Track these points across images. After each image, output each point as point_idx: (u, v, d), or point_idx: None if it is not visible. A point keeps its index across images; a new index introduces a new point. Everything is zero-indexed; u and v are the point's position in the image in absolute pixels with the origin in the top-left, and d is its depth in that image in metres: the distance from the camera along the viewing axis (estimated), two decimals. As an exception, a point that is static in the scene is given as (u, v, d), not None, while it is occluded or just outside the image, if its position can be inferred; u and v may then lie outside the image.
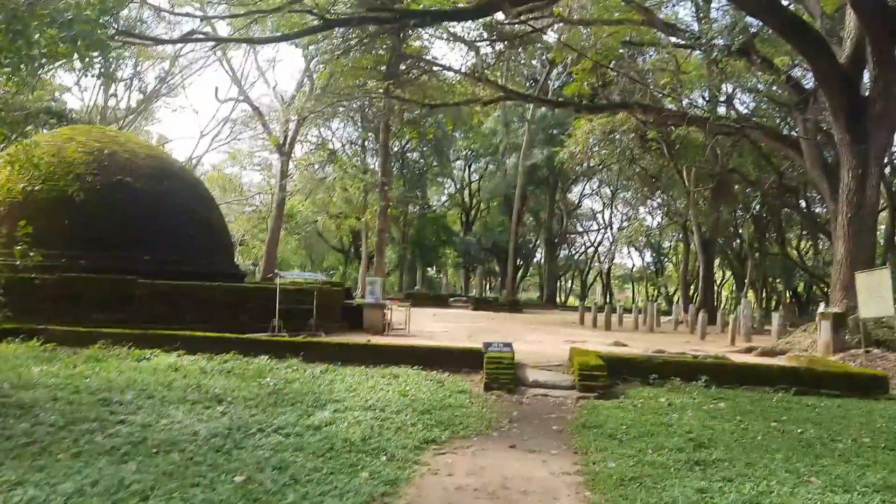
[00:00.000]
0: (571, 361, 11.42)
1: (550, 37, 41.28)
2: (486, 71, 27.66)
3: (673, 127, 24.53)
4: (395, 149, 49.42)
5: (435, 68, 29.62)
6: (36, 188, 17.42)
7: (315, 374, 10.26)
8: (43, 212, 16.96)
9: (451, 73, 33.70)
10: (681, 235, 55.44)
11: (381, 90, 28.28)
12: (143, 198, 18.09)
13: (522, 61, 35.97)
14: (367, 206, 35.54)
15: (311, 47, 33.05)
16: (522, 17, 26.59)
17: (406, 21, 17.30)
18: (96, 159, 18.25)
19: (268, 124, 42.44)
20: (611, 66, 28.91)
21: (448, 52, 60.81)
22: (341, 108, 44.56)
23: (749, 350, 16.34)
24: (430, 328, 20.81)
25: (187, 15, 19.53)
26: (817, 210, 34.91)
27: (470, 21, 26.99)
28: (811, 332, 16.03)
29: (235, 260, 24.02)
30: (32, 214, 17.04)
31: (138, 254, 17.38)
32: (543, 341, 17.37)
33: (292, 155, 45.85)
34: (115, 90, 40.63)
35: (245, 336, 12.20)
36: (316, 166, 48.99)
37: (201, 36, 19.31)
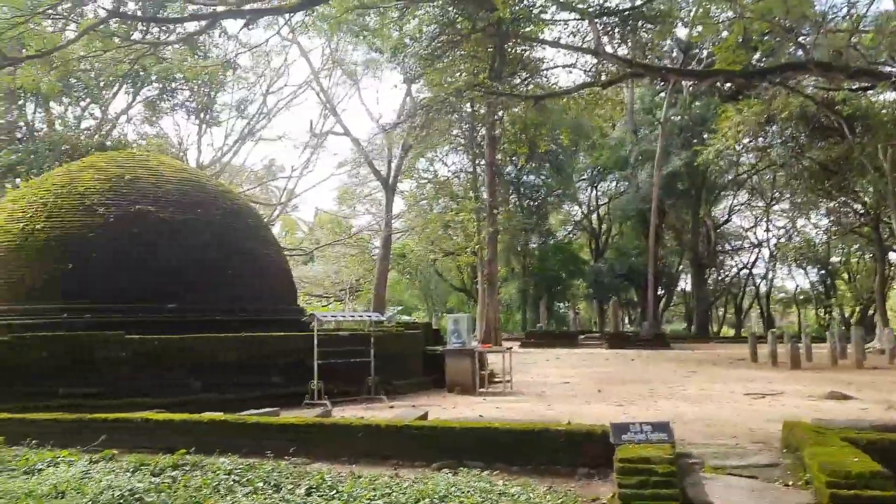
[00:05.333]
0: (791, 448, 5.83)
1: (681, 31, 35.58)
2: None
3: (863, 90, 18.04)
4: (511, 174, 44.56)
5: (545, 46, 24.60)
6: (38, 227, 14.16)
7: (288, 500, 5.38)
8: (42, 255, 13.54)
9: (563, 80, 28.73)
10: (856, 247, 46.84)
11: (480, 91, 23.75)
12: (167, 231, 14.18)
13: (649, 46, 30.22)
14: (478, 235, 30.79)
15: (400, 56, 29.13)
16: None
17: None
18: (113, 187, 14.54)
19: (369, 156, 39.00)
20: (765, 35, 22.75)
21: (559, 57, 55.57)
22: (449, 134, 40.65)
23: None
24: (548, 377, 15.55)
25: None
26: None
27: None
28: None
29: (300, 304, 19.77)
30: (30, 260, 13.90)
31: (161, 302, 13.46)
32: (712, 394, 11.53)
33: (399, 190, 42.33)
34: (207, 131, 38.42)
35: (220, 419, 7.51)
36: (424, 202, 45.08)
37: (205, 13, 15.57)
